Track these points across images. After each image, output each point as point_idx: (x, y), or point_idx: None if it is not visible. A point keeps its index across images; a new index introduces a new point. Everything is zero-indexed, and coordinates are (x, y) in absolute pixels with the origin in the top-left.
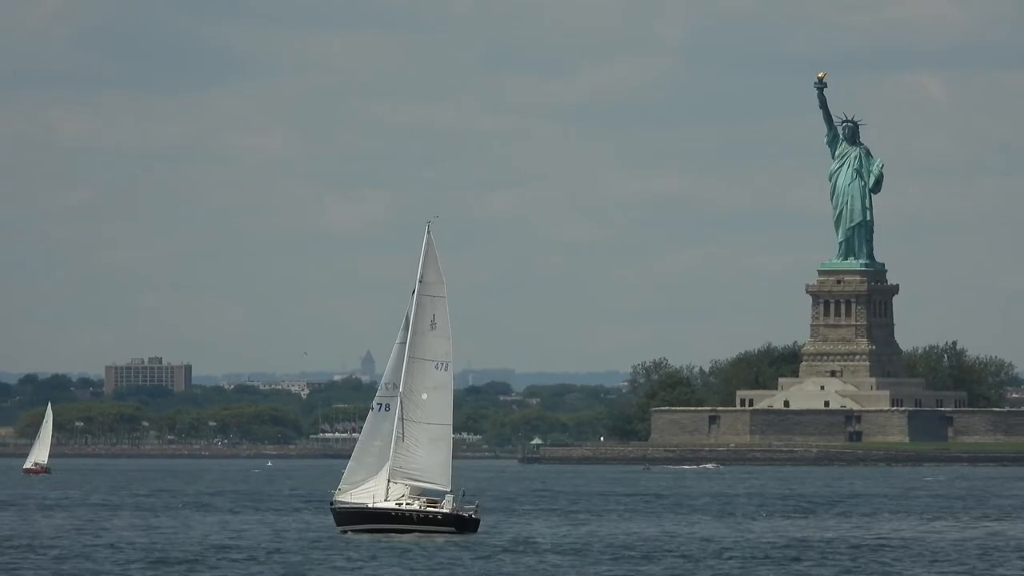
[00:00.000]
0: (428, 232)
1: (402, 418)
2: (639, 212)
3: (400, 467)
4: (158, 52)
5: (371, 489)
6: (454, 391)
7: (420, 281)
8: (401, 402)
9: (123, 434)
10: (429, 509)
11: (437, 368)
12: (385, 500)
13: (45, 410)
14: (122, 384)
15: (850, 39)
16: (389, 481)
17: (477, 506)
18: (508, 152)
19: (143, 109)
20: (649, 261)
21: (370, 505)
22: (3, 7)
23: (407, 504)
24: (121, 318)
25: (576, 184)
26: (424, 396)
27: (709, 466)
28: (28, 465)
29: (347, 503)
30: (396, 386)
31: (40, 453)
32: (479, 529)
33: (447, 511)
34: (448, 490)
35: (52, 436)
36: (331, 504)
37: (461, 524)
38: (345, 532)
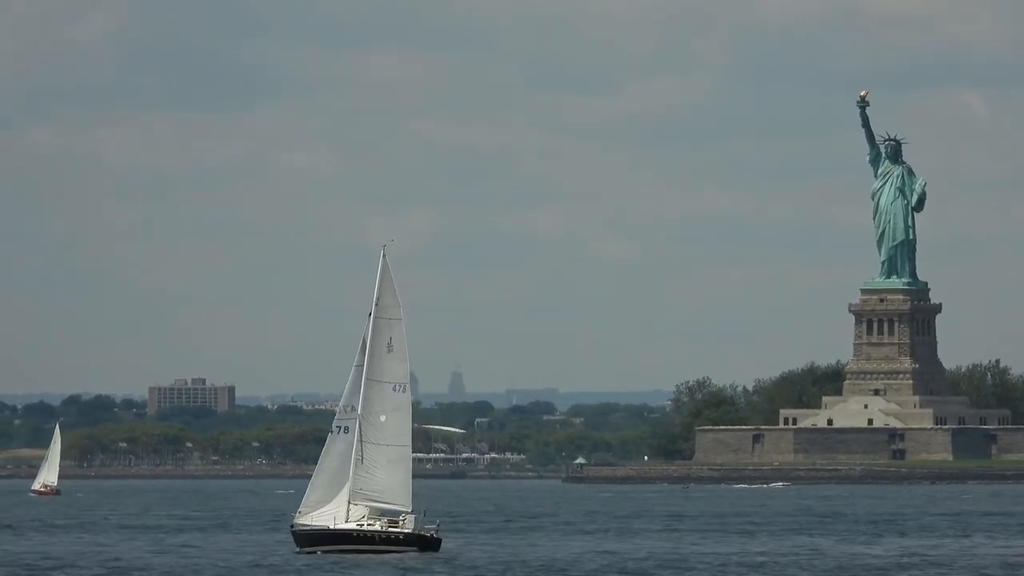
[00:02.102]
0: (383, 256)
1: (361, 440)
2: (682, 231)
3: (360, 489)
4: (202, 71)
5: (331, 511)
6: (500, 411)
7: (376, 304)
8: (360, 424)
9: (167, 455)
10: (391, 529)
11: (395, 390)
12: (346, 522)
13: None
14: (165, 405)
15: (894, 57)
16: (349, 503)
17: (438, 525)
18: (551, 170)
19: (187, 129)
20: (692, 280)
21: (331, 527)
22: (48, 27)
23: (368, 525)
24: (165, 339)
25: (619, 202)
26: (382, 418)
27: (778, 485)
28: (37, 486)
29: (308, 525)
30: (354, 408)
31: (49, 474)
32: (441, 548)
33: (409, 531)
34: (409, 510)
35: (97, 458)
36: (291, 527)
37: (423, 544)
38: (313, 553)
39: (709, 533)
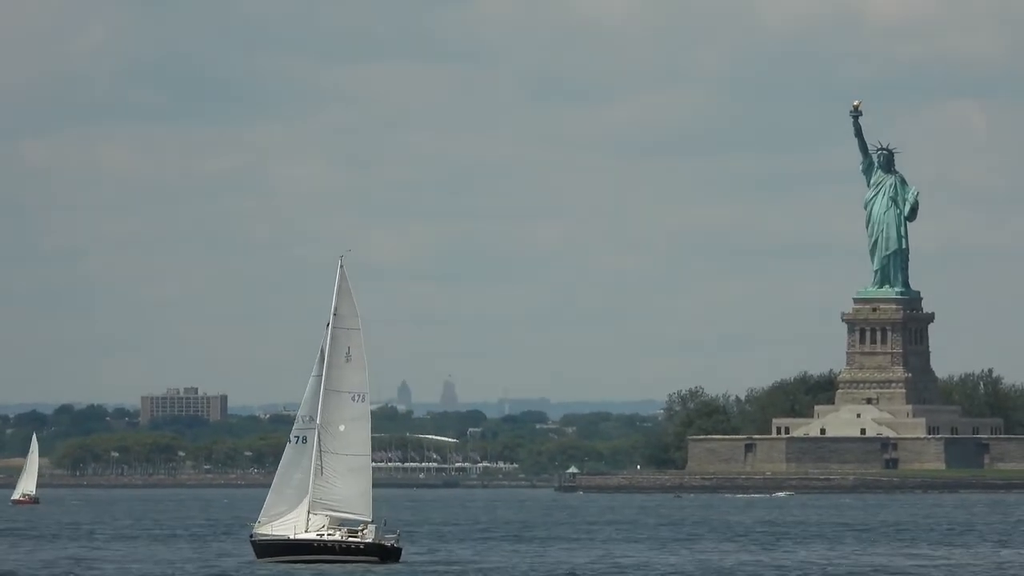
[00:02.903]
0: (341, 266)
1: (320, 450)
2: (674, 241)
3: (320, 499)
4: (200, 84)
5: (291, 521)
6: (492, 420)
7: (334, 314)
8: (319, 434)
9: (159, 464)
10: (351, 539)
11: (354, 400)
12: (306, 531)
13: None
14: (158, 414)
15: (892, 68)
16: (309, 512)
17: (399, 535)
18: (547, 182)
19: (183, 141)
20: (684, 290)
21: (291, 537)
22: (48, 40)
23: (328, 535)
24: (157, 348)
25: (615, 214)
26: (342, 427)
27: (782, 494)
28: (16, 496)
29: (268, 535)
30: (313, 419)
31: (28, 484)
32: (401, 558)
33: (369, 541)
34: (369, 520)
35: (89, 466)
36: (251, 537)
37: (384, 553)
38: (280, 562)
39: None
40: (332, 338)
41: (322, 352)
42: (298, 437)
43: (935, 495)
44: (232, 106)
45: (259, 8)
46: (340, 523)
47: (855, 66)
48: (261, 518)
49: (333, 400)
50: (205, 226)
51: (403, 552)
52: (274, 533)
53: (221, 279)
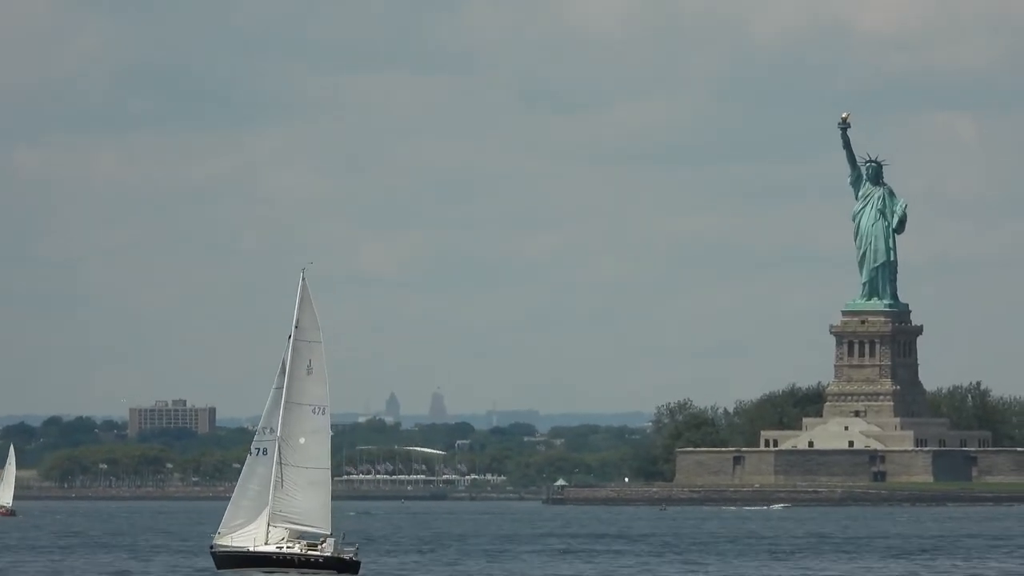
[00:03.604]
0: (303, 279)
1: (280, 462)
2: (663, 253)
3: (280, 511)
4: (193, 92)
5: (251, 533)
6: (480, 432)
7: (296, 327)
8: (279, 446)
9: (147, 476)
10: (310, 552)
11: (314, 412)
12: (265, 544)
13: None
14: (146, 426)
15: (881, 79)
16: (269, 525)
17: (357, 548)
18: (538, 192)
19: (174, 149)
20: (673, 302)
21: (251, 549)
22: (36, 48)
23: (287, 547)
24: (145, 361)
25: (606, 224)
26: (302, 440)
27: (778, 507)
28: None
29: (227, 547)
30: (273, 431)
31: (4, 495)
32: (359, 571)
33: (328, 554)
34: (328, 533)
35: (77, 479)
36: (211, 548)
37: (342, 567)
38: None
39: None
40: (293, 351)
41: (283, 364)
42: (258, 449)
43: (923, 507)
44: (224, 114)
45: (251, 16)
46: (299, 536)
47: (845, 77)
48: (221, 529)
49: (294, 413)
50: (195, 236)
51: (361, 566)
52: (234, 544)
53: (211, 290)
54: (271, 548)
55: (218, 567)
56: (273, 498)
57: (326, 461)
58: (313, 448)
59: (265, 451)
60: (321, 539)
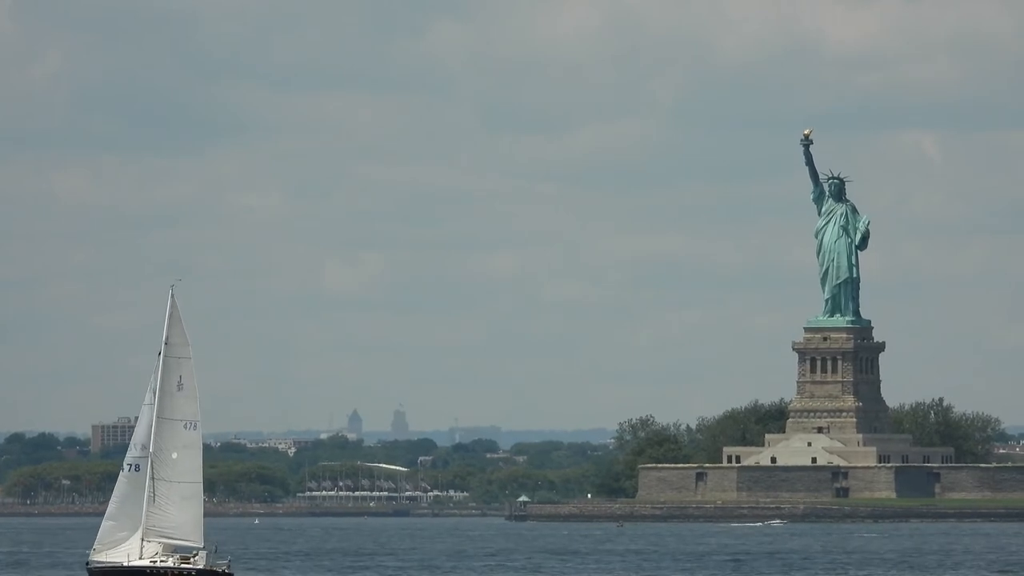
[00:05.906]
0: (172, 295)
1: (153, 477)
2: (626, 271)
3: (153, 525)
4: (155, 112)
5: (125, 548)
6: (443, 449)
7: (166, 343)
8: (152, 462)
9: (110, 492)
10: (183, 566)
11: (186, 428)
12: (140, 558)
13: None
14: (109, 443)
15: (846, 98)
16: (143, 539)
17: (229, 561)
18: (500, 211)
19: (138, 170)
20: (635, 319)
21: (125, 564)
22: (2, 68)
23: (161, 561)
24: (108, 377)
25: (568, 243)
26: (174, 455)
27: (775, 522)
28: None
29: (103, 562)
30: (146, 447)
31: None
32: None
33: (201, 567)
34: (201, 546)
35: (39, 495)
36: (87, 564)
37: None
38: None
39: None
40: (164, 367)
41: (154, 381)
42: (131, 465)
43: (886, 524)
44: (186, 135)
45: (215, 37)
46: (173, 550)
47: (809, 96)
48: (96, 545)
49: (166, 428)
50: (158, 255)
51: None
52: (109, 560)
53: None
54: (145, 563)
55: None
56: (146, 513)
57: (198, 475)
58: (185, 463)
59: (138, 467)
60: (194, 552)
